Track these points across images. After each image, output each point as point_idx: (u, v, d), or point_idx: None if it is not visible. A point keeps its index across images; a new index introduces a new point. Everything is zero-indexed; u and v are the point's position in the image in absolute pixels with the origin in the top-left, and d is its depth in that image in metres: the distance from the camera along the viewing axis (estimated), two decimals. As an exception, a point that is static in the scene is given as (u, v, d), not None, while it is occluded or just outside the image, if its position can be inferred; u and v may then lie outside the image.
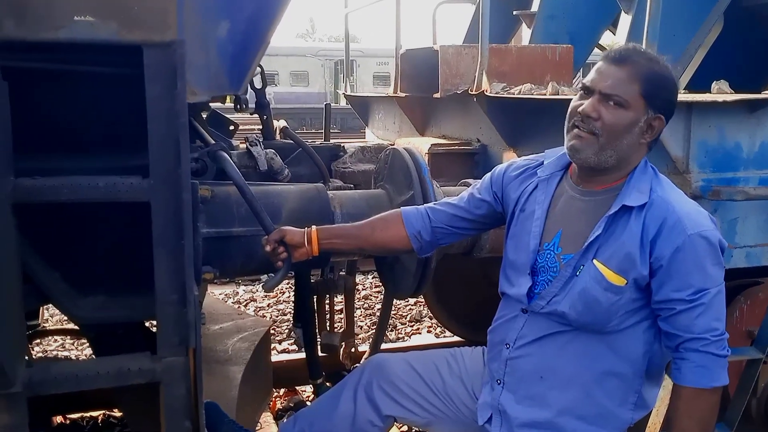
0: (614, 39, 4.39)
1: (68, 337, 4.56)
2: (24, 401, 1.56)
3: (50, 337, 4.62)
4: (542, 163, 1.83)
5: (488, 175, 1.93)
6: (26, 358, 1.68)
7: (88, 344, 4.39)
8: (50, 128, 1.93)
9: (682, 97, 2.04)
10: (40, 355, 4.49)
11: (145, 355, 1.67)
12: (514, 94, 2.72)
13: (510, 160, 1.98)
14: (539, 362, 1.75)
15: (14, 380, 1.49)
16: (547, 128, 2.42)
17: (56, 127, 1.94)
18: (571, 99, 1.69)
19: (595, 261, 1.64)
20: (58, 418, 3.54)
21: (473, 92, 2.84)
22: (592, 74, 1.63)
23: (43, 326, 4.13)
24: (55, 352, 4.56)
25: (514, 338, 1.78)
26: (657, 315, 1.66)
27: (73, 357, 4.48)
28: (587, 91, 1.62)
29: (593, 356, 1.70)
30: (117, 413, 3.57)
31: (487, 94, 2.78)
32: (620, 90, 1.57)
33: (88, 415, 3.58)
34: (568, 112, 1.66)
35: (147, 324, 2.21)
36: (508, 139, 2.82)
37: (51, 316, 5.01)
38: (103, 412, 3.59)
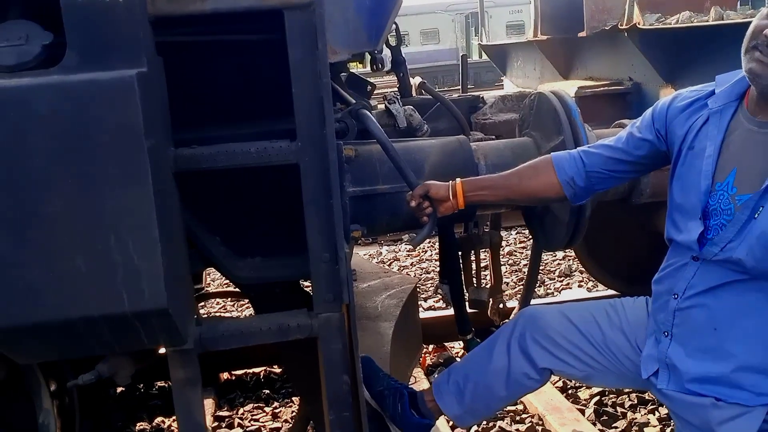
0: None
1: (229, 299, 4.87)
2: (196, 357, 1.67)
3: (213, 300, 4.96)
4: (713, 92, 1.64)
5: (649, 110, 1.77)
6: (195, 317, 1.79)
7: (248, 305, 4.68)
8: (203, 100, 2.02)
9: None
10: (210, 316, 4.85)
11: (302, 311, 1.73)
12: (671, 24, 2.49)
13: (673, 93, 1.80)
14: (713, 313, 1.61)
15: (186, 338, 1.59)
16: (712, 59, 2.20)
17: (209, 98, 2.03)
18: (744, 22, 1.51)
19: None
20: (225, 375, 3.81)
21: (624, 27, 2.64)
22: None
23: (206, 290, 4.44)
24: (218, 314, 4.90)
25: (684, 288, 1.65)
26: None
27: (240, 317, 4.79)
28: None
29: None
30: (277, 369, 3.78)
31: (640, 26, 2.57)
32: None
33: (251, 371, 3.82)
34: (749, 32, 1.50)
35: (303, 284, 2.29)
36: (666, 74, 2.61)
37: (212, 280, 5.38)
38: (265, 368, 3.82)
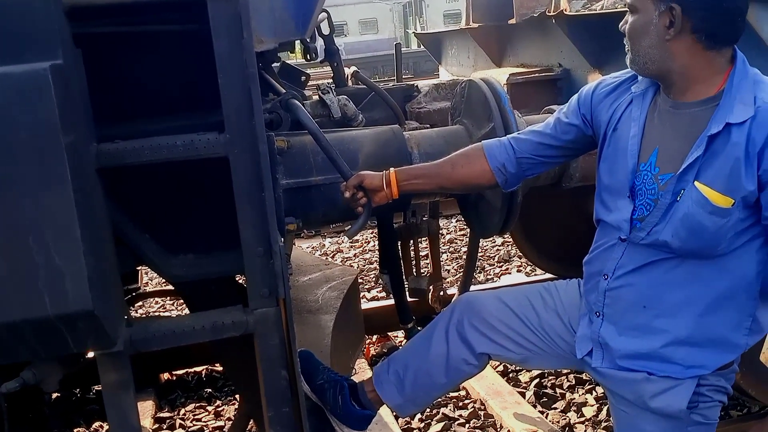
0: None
1: (167, 298, 4.76)
2: (127, 359, 1.62)
3: (151, 299, 4.84)
4: (636, 77, 1.69)
5: (575, 96, 1.81)
6: (126, 318, 1.73)
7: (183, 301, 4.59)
8: (128, 93, 1.95)
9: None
10: (142, 316, 4.73)
11: (237, 308, 1.70)
12: (596, 10, 2.54)
13: (597, 79, 1.84)
14: (642, 291, 1.65)
15: (116, 339, 1.54)
16: (635, 44, 2.23)
17: (134, 91, 1.96)
18: None
19: (696, 183, 1.51)
20: (165, 375, 3.73)
21: (551, 13, 2.67)
22: None
23: (144, 289, 4.33)
24: (156, 314, 4.79)
25: (613, 268, 1.69)
26: None
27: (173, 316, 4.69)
28: None
29: (701, 280, 1.59)
30: (219, 367, 3.72)
31: (567, 13, 2.61)
32: None
33: (192, 370, 3.75)
34: None
35: (238, 279, 2.25)
36: (593, 60, 2.66)
37: (150, 279, 5.24)
38: (206, 367, 3.75)
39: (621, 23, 1.62)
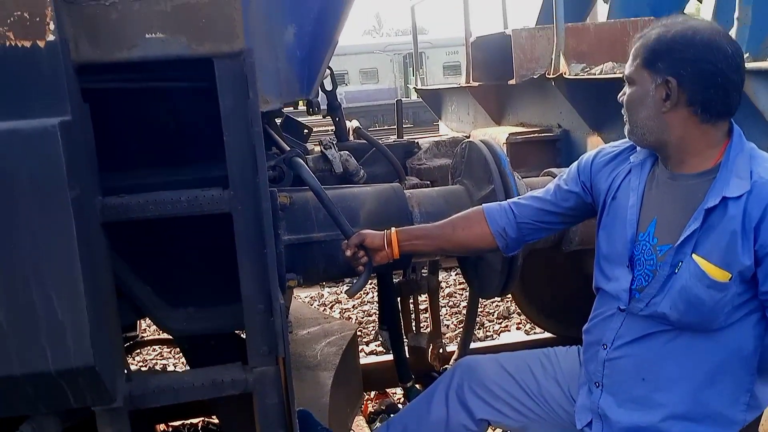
0: (700, 7, 4.14)
1: (165, 346, 4.72)
2: (126, 415, 1.60)
3: (148, 347, 4.80)
4: (635, 147, 1.71)
5: (575, 164, 1.83)
6: (125, 372, 1.72)
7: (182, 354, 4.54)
8: (134, 146, 1.98)
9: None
10: (140, 364, 4.68)
11: (236, 365, 1.69)
12: (595, 74, 2.60)
13: (597, 147, 1.87)
14: (640, 363, 1.64)
15: (115, 395, 1.53)
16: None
17: (140, 144, 1.99)
18: None
19: (694, 256, 1.52)
20: (161, 426, 3.67)
21: (551, 76, 2.73)
22: None
23: (142, 336, 4.30)
24: (153, 361, 4.74)
25: (612, 338, 1.68)
26: (766, 307, 1.53)
27: (171, 365, 4.64)
28: None
29: (700, 355, 1.58)
30: (215, 420, 3.66)
31: (566, 76, 2.67)
32: (628, 70, 1.60)
33: (188, 422, 3.69)
34: None
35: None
36: (592, 122, 2.70)
37: (148, 326, 5.20)
38: (203, 419, 3.69)
39: (619, 94, 1.64)
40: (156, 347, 4.85)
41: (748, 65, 1.64)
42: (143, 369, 4.54)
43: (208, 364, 1.88)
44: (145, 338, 4.25)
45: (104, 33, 1.52)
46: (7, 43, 1.40)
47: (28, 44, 1.41)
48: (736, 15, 2.26)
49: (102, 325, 1.52)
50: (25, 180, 1.40)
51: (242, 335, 2.05)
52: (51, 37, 1.42)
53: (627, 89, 1.61)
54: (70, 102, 1.47)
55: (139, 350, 4.70)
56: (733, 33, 2.22)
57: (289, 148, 2.31)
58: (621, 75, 1.68)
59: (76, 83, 1.54)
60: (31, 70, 1.43)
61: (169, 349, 4.82)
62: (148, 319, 2.17)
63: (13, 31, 1.39)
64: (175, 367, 4.62)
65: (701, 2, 4.16)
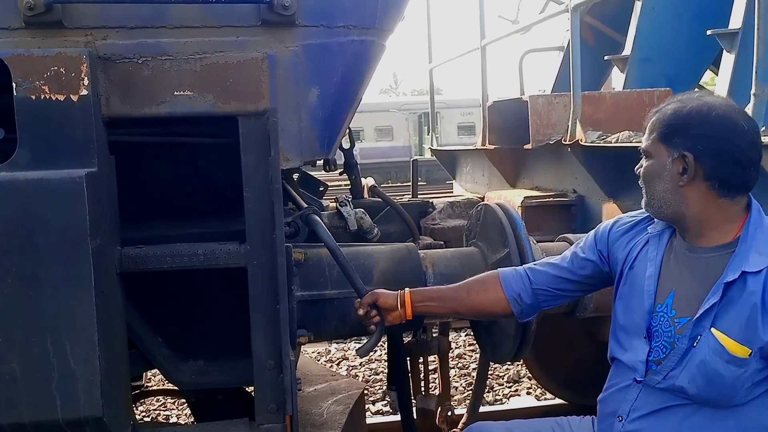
0: (716, 78, 4.20)
1: (169, 397, 4.66)
2: (129, 468, 1.58)
3: (152, 397, 4.74)
4: (652, 218, 1.72)
5: (592, 232, 1.83)
6: (131, 423, 1.71)
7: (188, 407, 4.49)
8: (155, 198, 2.01)
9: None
10: (143, 415, 4.62)
11: (243, 421, 1.67)
12: (611, 142, 2.62)
13: (613, 213, 1.88)
14: None
15: (120, 448, 1.51)
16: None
17: (160, 196, 2.03)
18: None
19: (713, 330, 1.50)
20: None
21: (567, 142, 2.76)
22: None
23: (146, 386, 4.26)
24: (157, 412, 4.68)
25: (628, 410, 1.64)
26: None
27: (174, 417, 4.58)
28: None
29: (717, 431, 1.54)
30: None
31: (582, 143, 2.70)
32: (644, 144, 1.61)
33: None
34: None
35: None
36: (608, 189, 2.71)
37: (153, 375, 5.16)
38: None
39: (636, 167, 1.66)
40: (160, 397, 4.80)
41: (765, 140, 1.65)
42: (147, 420, 4.48)
43: (214, 418, 1.87)
44: (150, 388, 4.21)
45: (135, 89, 1.58)
46: (42, 96, 1.45)
47: (62, 98, 1.46)
48: (752, 91, 2.29)
49: (112, 375, 1.52)
50: (49, 228, 1.43)
51: (249, 390, 2.04)
52: (84, 92, 1.47)
53: (644, 162, 1.63)
54: (97, 154, 1.51)
55: (142, 400, 4.65)
56: (749, 109, 2.25)
57: (305, 205, 2.34)
58: (637, 144, 1.69)
59: (104, 136, 1.59)
60: (62, 123, 1.48)
61: (173, 400, 4.76)
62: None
63: (49, 85, 1.45)
64: (178, 418, 4.56)
65: (717, 74, 4.22)
